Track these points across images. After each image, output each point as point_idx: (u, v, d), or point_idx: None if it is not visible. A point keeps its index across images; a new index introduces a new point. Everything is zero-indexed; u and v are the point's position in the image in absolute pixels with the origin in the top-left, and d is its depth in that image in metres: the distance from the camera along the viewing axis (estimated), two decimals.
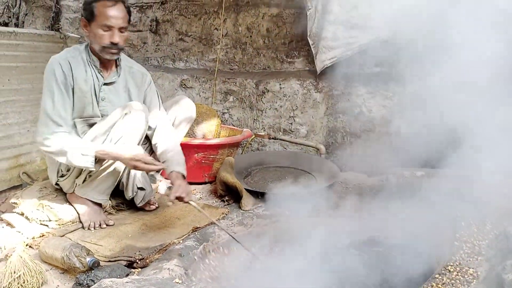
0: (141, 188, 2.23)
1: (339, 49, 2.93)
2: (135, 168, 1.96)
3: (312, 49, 3.08)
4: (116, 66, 2.19)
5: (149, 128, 2.18)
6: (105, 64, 2.14)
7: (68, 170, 2.06)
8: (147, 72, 2.33)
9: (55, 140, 1.95)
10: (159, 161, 2.09)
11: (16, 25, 3.63)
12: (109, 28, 2.01)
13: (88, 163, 1.93)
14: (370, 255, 1.94)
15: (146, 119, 2.09)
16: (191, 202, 1.94)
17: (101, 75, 2.12)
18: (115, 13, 2.02)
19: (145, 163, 1.93)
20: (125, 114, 2.02)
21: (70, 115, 2.05)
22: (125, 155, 1.94)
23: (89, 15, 2.02)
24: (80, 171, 2.04)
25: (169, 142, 2.18)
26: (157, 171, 2.07)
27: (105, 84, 2.14)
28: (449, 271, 1.55)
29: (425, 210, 1.94)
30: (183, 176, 2.04)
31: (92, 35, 2.04)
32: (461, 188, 1.99)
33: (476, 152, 2.00)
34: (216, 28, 3.56)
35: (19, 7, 3.69)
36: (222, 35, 3.53)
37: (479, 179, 1.98)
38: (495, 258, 1.59)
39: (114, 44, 2.03)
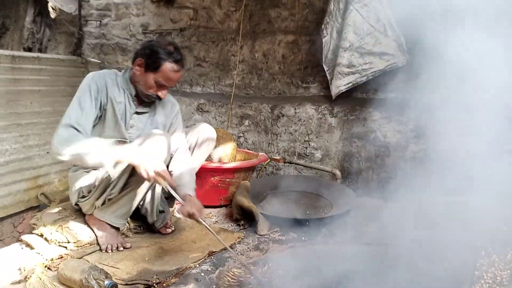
0: (162, 211, 2.27)
1: (354, 75, 2.96)
2: (154, 180, 1.86)
3: (327, 75, 3.12)
4: None
5: None
6: (139, 95, 2.17)
7: (89, 192, 2.08)
8: (176, 102, 2.39)
9: (72, 142, 1.87)
10: None
11: (40, 50, 3.76)
12: (163, 86, 2.08)
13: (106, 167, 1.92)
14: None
15: (169, 146, 2.11)
16: (201, 220, 1.91)
17: (134, 103, 2.16)
18: (176, 78, 2.10)
19: (164, 177, 1.86)
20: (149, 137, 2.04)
21: (91, 125, 2.03)
22: (148, 166, 1.84)
23: (152, 65, 2.04)
24: (101, 193, 2.05)
25: (185, 168, 2.21)
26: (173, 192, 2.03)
27: (136, 112, 2.18)
28: None
29: (446, 237, 1.91)
30: None
31: (143, 79, 2.07)
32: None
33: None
34: (233, 54, 3.64)
35: (43, 33, 3.82)
36: (239, 61, 3.60)
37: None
38: None
39: (158, 97, 2.11)
